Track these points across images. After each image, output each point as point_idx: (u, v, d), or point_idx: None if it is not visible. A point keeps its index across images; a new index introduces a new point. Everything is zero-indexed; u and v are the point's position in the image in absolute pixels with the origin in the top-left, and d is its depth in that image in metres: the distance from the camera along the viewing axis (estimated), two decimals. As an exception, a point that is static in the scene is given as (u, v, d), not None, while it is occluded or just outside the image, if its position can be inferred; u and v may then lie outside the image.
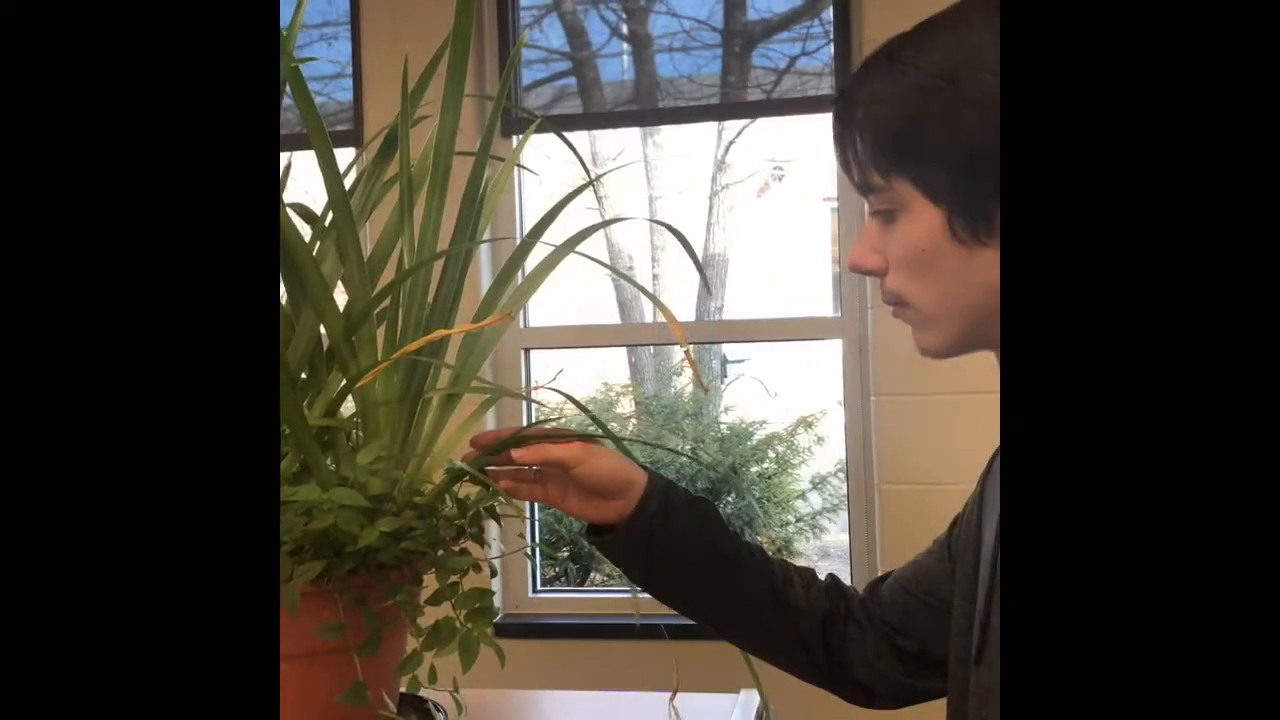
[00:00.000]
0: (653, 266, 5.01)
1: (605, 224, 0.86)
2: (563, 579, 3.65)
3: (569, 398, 0.86)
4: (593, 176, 0.93)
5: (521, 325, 2.11)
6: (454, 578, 0.76)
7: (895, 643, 0.85)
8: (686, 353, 0.67)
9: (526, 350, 2.11)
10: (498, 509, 0.82)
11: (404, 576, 0.75)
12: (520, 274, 0.88)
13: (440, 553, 0.77)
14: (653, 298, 0.71)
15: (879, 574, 0.93)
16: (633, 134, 5.09)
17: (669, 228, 0.93)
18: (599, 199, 5.13)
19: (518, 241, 0.93)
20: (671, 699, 0.93)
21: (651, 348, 4.69)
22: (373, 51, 2.07)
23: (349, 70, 2.13)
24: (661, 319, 3.48)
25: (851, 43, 1.99)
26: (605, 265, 0.78)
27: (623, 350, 4.72)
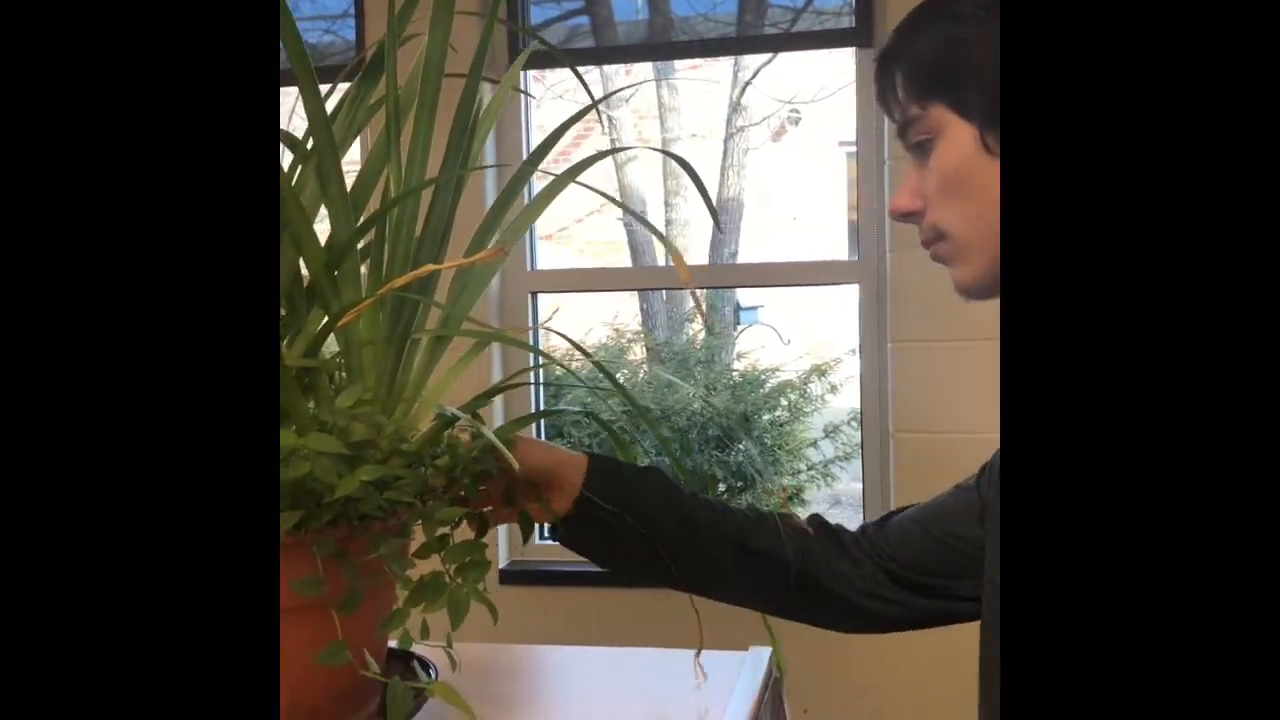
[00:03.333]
0: (665, 211, 4.93)
1: (609, 152, 0.80)
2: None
3: (571, 341, 0.81)
4: (595, 100, 0.86)
5: (529, 268, 2.05)
6: (443, 530, 0.72)
7: (900, 575, 0.87)
8: (693, 292, 0.62)
9: (534, 294, 2.05)
10: (493, 458, 0.77)
11: (389, 529, 0.70)
12: (526, 196, 0.82)
13: (429, 503, 0.72)
14: (660, 235, 0.65)
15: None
16: (648, 75, 4.98)
17: (678, 159, 0.86)
18: (611, 140, 5.03)
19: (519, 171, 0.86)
20: (696, 655, 0.89)
21: (664, 294, 4.62)
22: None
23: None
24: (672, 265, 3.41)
25: (873, -27, 1.90)
26: (608, 197, 0.72)
27: (634, 297, 4.65)
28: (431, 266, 0.70)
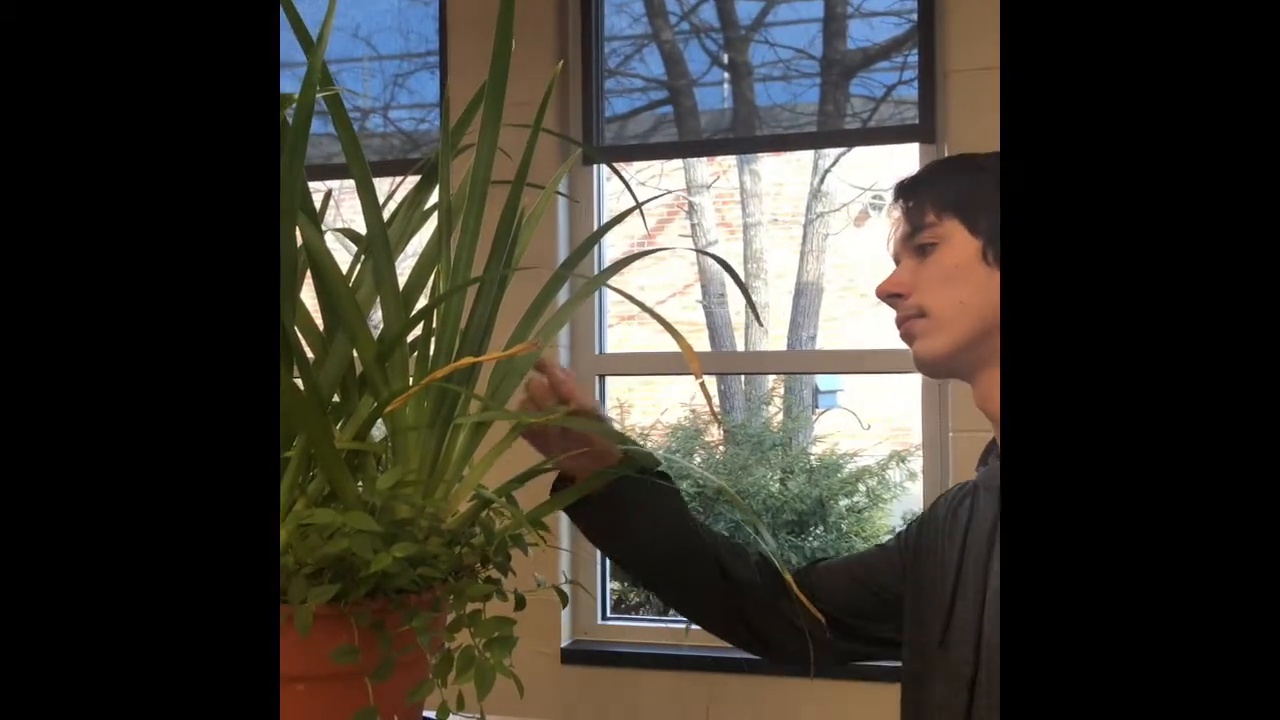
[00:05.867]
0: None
1: (639, 255, 0.86)
2: (646, 606, 3.61)
3: (595, 427, 0.85)
4: (639, 202, 0.92)
5: (596, 352, 2.11)
6: (474, 605, 0.76)
7: (829, 614, 0.96)
8: (701, 384, 0.66)
9: (601, 377, 2.11)
10: (525, 539, 0.81)
11: (422, 602, 0.75)
12: (599, 299, 0.88)
13: (462, 580, 0.77)
14: (672, 331, 0.70)
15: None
16: (730, 161, 5.10)
17: (717, 259, 0.92)
18: (693, 225, 5.11)
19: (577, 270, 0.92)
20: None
21: (743, 376, 4.66)
22: (458, 81, 2.11)
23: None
24: (751, 348, 3.45)
25: (935, 72, 1.95)
26: (629, 297, 0.77)
27: (713, 378, 4.70)
28: (470, 359, 0.75)
